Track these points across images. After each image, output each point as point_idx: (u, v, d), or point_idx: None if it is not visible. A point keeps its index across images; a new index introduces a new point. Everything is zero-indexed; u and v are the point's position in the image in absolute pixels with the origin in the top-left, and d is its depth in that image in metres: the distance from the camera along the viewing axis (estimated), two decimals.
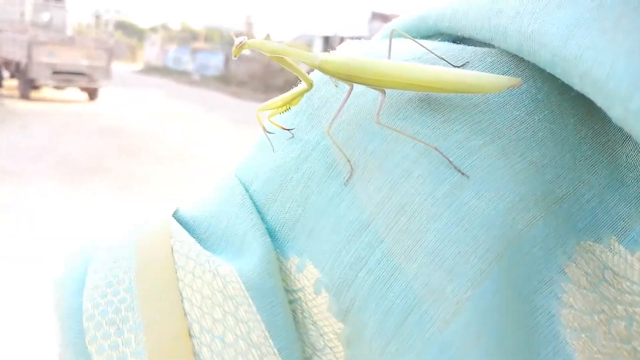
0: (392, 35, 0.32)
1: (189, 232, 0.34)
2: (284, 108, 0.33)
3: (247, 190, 0.34)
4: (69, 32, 12.39)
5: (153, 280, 0.32)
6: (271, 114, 0.34)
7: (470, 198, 0.28)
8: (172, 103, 12.64)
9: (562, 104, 0.30)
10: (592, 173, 0.29)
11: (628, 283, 0.28)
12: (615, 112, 0.24)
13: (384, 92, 0.30)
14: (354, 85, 0.31)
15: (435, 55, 0.32)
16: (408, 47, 0.33)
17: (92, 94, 11.77)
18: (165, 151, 6.90)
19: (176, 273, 0.32)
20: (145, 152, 6.76)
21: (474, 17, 0.31)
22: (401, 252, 0.28)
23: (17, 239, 3.66)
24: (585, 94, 0.26)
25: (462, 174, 0.28)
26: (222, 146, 7.45)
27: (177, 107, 11.86)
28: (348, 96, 0.31)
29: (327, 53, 0.31)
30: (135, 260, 0.33)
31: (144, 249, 0.33)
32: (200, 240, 0.34)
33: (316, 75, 0.35)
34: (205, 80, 20.34)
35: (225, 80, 19.47)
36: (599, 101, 0.25)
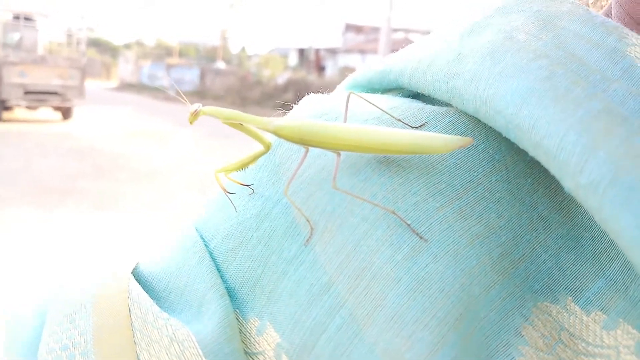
0: (349, 97, 0.32)
1: (147, 289, 0.34)
2: (242, 170, 0.33)
3: (207, 246, 0.34)
4: (41, 51, 12.21)
5: (110, 344, 0.31)
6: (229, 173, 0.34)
7: (429, 262, 0.28)
8: (148, 119, 12.53)
9: (519, 163, 0.30)
10: (548, 233, 0.30)
11: (584, 344, 0.28)
12: (567, 184, 0.24)
13: (339, 154, 0.31)
14: (311, 148, 0.32)
15: (392, 116, 0.32)
16: (366, 108, 0.34)
17: (65, 113, 11.59)
18: (141, 169, 6.82)
19: (133, 336, 0.31)
20: (121, 171, 6.67)
21: (431, 78, 0.32)
22: (361, 318, 0.28)
23: None
24: (540, 162, 0.26)
25: (420, 237, 0.28)
26: (199, 161, 7.40)
27: (152, 123, 11.76)
28: (304, 158, 0.31)
29: (281, 118, 0.32)
30: (92, 322, 0.32)
31: (101, 311, 0.32)
32: (159, 298, 0.33)
33: None
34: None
35: (201, 95, 19.38)
36: (552, 171, 0.25)
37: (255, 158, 0.33)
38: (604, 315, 0.28)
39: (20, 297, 0.37)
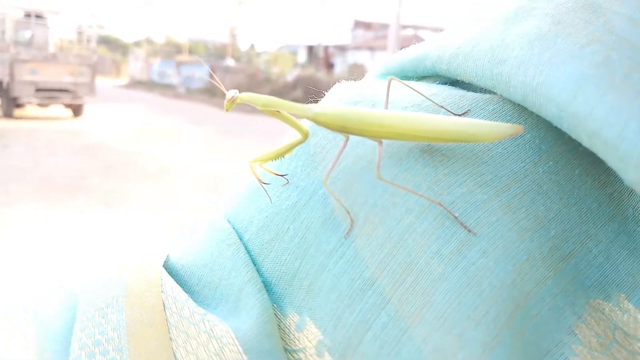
0: (390, 82, 0.31)
1: (180, 283, 0.33)
2: (277, 159, 0.32)
3: (240, 238, 0.33)
4: (51, 49, 12.28)
5: (145, 340, 0.30)
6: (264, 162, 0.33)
7: (478, 257, 0.26)
8: (158, 117, 12.58)
9: (566, 154, 0.29)
10: (598, 227, 0.28)
11: (639, 345, 0.27)
12: (629, 177, 0.23)
13: (381, 143, 0.29)
14: (350, 136, 0.30)
15: (435, 103, 0.31)
16: (406, 94, 0.32)
17: (76, 110, 11.67)
18: (151, 167, 6.84)
19: (169, 332, 0.30)
20: (132, 169, 6.69)
21: (474, 64, 0.30)
22: (408, 315, 0.27)
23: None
24: (595, 152, 0.24)
25: (469, 230, 0.27)
26: (209, 159, 7.41)
27: (162, 121, 11.80)
28: (344, 147, 0.30)
29: (320, 105, 0.30)
30: (125, 316, 0.31)
31: (133, 305, 0.31)
32: (192, 292, 0.32)
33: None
34: (191, 93, 20.29)
35: (210, 92, 19.42)
36: (610, 162, 0.24)
37: (292, 147, 0.31)
38: None
39: (48, 291, 0.35)
